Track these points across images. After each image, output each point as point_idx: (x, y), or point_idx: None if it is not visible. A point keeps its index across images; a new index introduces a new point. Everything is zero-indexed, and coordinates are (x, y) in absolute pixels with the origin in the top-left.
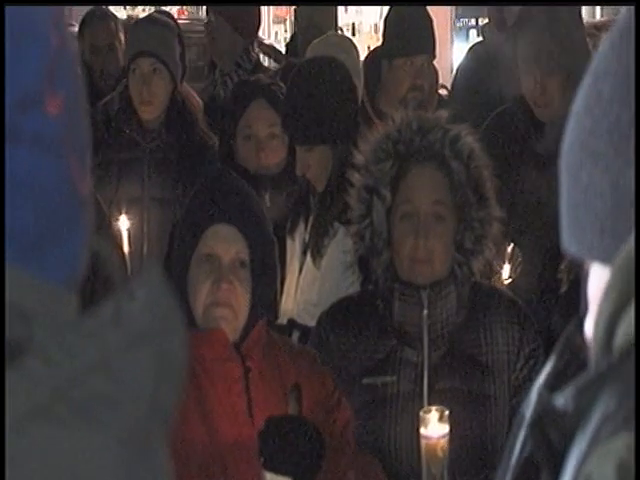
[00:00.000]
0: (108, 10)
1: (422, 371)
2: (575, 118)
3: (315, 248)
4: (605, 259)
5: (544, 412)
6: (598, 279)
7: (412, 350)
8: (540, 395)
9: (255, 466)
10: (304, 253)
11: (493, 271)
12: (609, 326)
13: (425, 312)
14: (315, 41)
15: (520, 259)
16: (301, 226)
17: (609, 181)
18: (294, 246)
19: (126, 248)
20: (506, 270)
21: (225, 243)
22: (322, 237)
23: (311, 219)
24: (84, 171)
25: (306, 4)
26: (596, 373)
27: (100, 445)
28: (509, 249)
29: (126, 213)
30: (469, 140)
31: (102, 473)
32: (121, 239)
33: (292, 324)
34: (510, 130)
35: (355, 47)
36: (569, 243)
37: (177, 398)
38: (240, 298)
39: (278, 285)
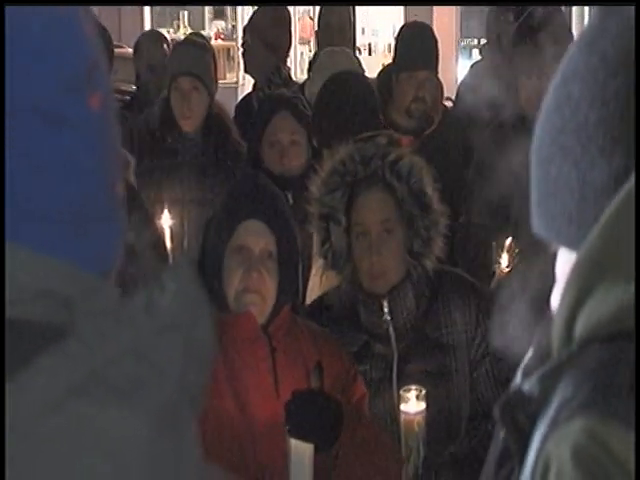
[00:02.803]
0: (161, 33)
1: (392, 360)
2: (546, 114)
3: None
4: (571, 245)
5: (513, 397)
6: (564, 261)
7: (381, 345)
8: (514, 381)
9: (281, 435)
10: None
11: (494, 261)
12: (568, 320)
13: (387, 317)
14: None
15: (517, 250)
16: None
17: (576, 176)
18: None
19: (168, 243)
20: (504, 260)
21: (255, 237)
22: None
23: None
24: (118, 173)
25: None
26: (558, 362)
27: (132, 422)
28: (507, 241)
29: (168, 212)
30: (407, 161)
31: (133, 448)
32: (164, 235)
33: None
34: (509, 138)
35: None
36: (538, 227)
37: (204, 382)
38: (268, 285)
39: (300, 274)
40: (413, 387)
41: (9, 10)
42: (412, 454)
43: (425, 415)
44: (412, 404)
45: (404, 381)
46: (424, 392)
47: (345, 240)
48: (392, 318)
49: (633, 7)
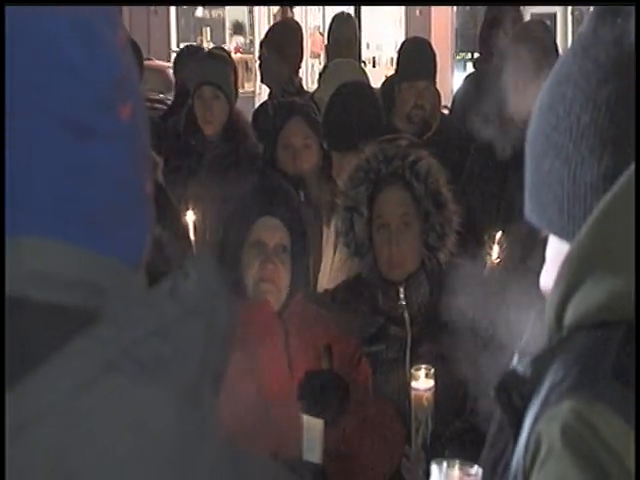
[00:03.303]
0: (201, 47)
1: (406, 342)
2: (540, 112)
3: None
4: (562, 234)
5: (508, 378)
6: (554, 247)
7: (397, 327)
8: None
9: (294, 410)
10: (337, 238)
11: (484, 253)
12: (559, 311)
13: (402, 303)
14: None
15: (505, 244)
16: (335, 217)
17: (567, 172)
18: (330, 232)
19: (192, 236)
20: (495, 252)
21: (270, 232)
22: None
23: None
24: (148, 173)
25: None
26: (549, 347)
27: (159, 396)
28: (498, 235)
29: (192, 209)
30: (425, 162)
31: (160, 421)
32: (188, 229)
33: (327, 293)
34: (499, 141)
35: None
36: (531, 215)
37: (224, 362)
38: (282, 275)
39: (311, 266)
40: (423, 366)
41: (42, 25)
42: (421, 426)
43: (433, 392)
44: (422, 382)
45: (416, 361)
46: (433, 371)
47: (367, 231)
48: (407, 303)
49: (623, 20)
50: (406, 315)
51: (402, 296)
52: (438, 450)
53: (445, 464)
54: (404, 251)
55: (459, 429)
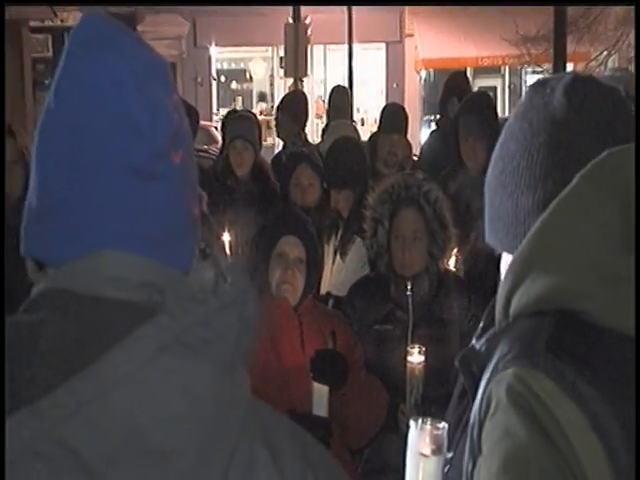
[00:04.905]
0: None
1: (408, 324)
2: (494, 162)
3: (342, 251)
4: (508, 250)
5: (468, 352)
6: (506, 261)
7: (402, 312)
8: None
9: (306, 379)
10: (335, 254)
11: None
12: (506, 301)
13: (409, 293)
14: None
15: (460, 258)
16: (333, 237)
17: (511, 203)
18: (328, 249)
19: (228, 252)
20: (452, 262)
21: (291, 247)
22: (346, 244)
23: (339, 233)
24: (195, 202)
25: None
26: (498, 329)
27: (203, 369)
28: (454, 250)
29: (228, 231)
30: (435, 192)
31: (205, 386)
32: (224, 247)
33: (328, 295)
34: (452, 181)
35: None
36: (489, 237)
37: (252, 342)
38: (298, 280)
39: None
40: (417, 345)
41: (115, 94)
42: (414, 390)
43: (424, 365)
44: (415, 357)
45: (415, 341)
46: (424, 349)
47: (386, 238)
48: (412, 294)
49: (550, 90)
50: (410, 304)
51: (409, 288)
52: (427, 408)
53: (420, 420)
54: (413, 257)
55: (443, 394)
